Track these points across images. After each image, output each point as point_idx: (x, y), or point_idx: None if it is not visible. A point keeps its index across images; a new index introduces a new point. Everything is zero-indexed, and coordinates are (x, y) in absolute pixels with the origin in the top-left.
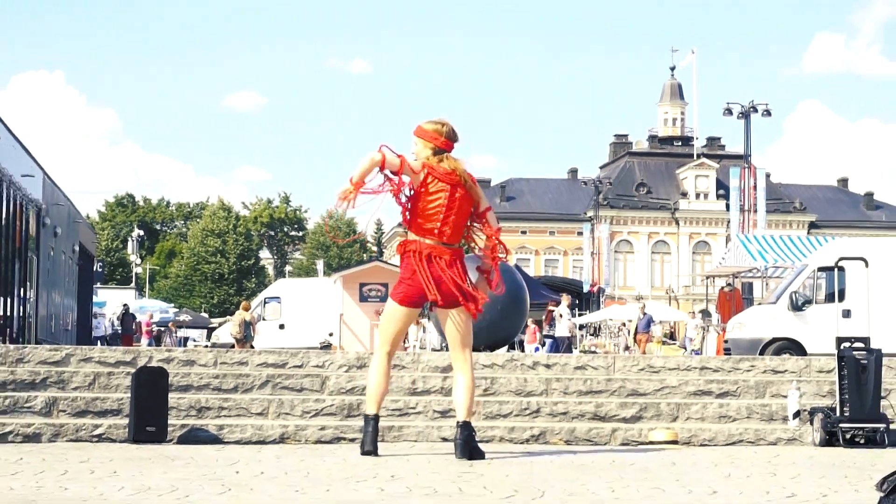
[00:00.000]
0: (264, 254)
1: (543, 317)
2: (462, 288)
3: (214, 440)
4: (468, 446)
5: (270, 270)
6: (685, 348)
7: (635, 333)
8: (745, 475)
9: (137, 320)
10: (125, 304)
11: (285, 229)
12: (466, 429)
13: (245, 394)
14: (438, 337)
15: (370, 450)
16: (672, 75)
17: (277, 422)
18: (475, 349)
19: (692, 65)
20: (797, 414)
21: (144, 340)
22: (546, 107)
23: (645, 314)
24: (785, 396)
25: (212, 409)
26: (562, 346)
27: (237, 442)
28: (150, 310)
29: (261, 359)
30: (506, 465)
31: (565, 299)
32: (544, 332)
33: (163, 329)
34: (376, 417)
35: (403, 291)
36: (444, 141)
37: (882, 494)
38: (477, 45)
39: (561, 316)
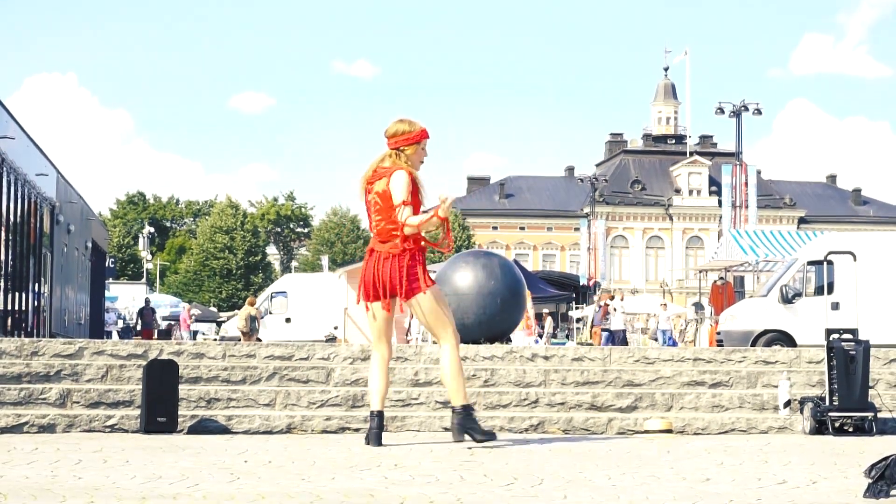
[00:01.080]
0: (271, 250)
1: (599, 311)
2: (385, 285)
3: (223, 430)
4: (464, 428)
5: (277, 266)
6: (656, 339)
7: (591, 326)
8: (737, 462)
9: (156, 315)
10: (147, 298)
11: (291, 226)
12: (460, 413)
13: (253, 385)
14: None
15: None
16: (666, 75)
17: (284, 412)
18: (475, 342)
19: (685, 65)
20: (788, 403)
21: (185, 334)
22: (544, 107)
23: (600, 307)
24: (776, 386)
25: (220, 400)
26: (617, 338)
27: (245, 432)
28: (162, 304)
29: (268, 351)
30: (505, 454)
31: (619, 294)
32: (601, 326)
33: (173, 323)
34: (381, 413)
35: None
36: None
37: (870, 480)
38: (479, 47)
39: (615, 310)
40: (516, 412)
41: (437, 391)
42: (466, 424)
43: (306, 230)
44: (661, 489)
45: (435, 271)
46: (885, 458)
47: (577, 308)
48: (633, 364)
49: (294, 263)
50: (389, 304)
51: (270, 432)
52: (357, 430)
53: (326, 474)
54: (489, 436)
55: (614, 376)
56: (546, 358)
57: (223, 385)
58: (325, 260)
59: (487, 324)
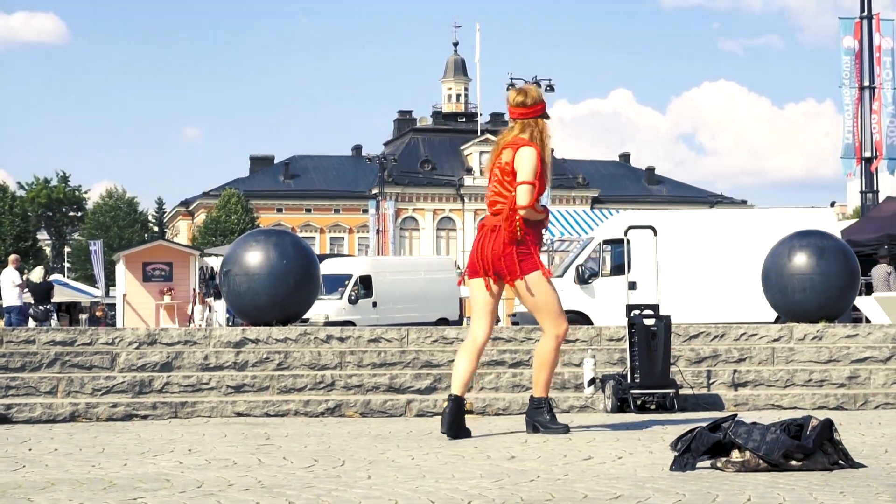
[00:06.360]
0: (42, 235)
1: None
2: (495, 259)
3: (3, 420)
4: (532, 420)
5: (49, 252)
6: None
7: None
8: (541, 441)
9: None
10: None
11: (64, 209)
12: (532, 403)
13: (33, 372)
14: (225, 315)
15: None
16: (455, 51)
17: (67, 400)
18: (268, 323)
19: (475, 41)
20: (592, 381)
21: None
22: (330, 83)
23: None
24: (577, 365)
25: None
26: None
27: (27, 421)
28: None
29: (48, 337)
30: (303, 437)
31: None
32: None
33: None
34: (457, 399)
35: (467, 264)
36: (511, 108)
37: (677, 453)
38: (263, 15)
39: None
40: (312, 396)
41: (228, 375)
42: (535, 417)
43: (79, 214)
44: (467, 467)
45: (221, 254)
46: (691, 431)
47: None
48: (431, 344)
49: (67, 249)
50: (489, 283)
51: (53, 421)
52: (145, 416)
53: (117, 461)
54: (561, 429)
55: (412, 357)
56: (342, 339)
57: (0, 372)
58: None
59: (280, 305)
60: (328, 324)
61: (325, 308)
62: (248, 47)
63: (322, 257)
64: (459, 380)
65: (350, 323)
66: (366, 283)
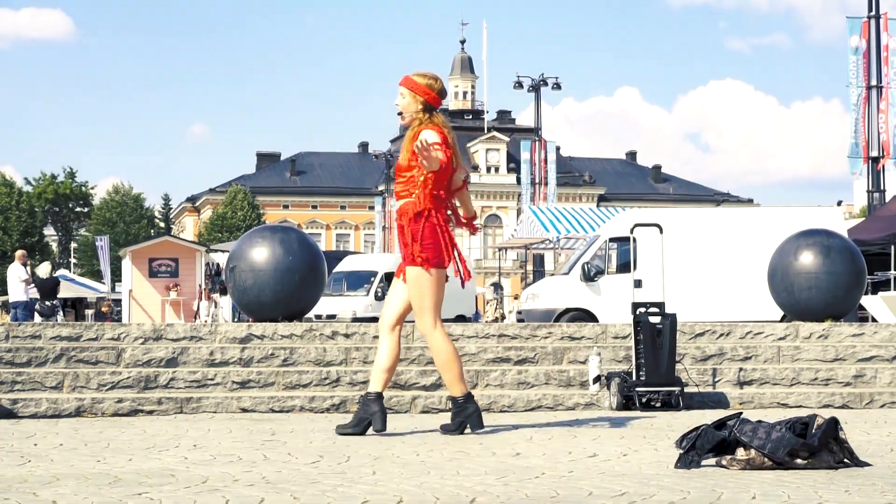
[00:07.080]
0: (48, 230)
1: None
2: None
3: (8, 414)
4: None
5: (55, 247)
6: None
7: None
8: (546, 438)
9: None
10: None
11: (70, 205)
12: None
13: (39, 367)
14: (231, 311)
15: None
16: (462, 49)
17: (73, 395)
18: (273, 319)
19: (482, 38)
20: (597, 378)
21: None
22: (336, 80)
23: None
24: (582, 362)
25: (5, 383)
26: None
27: (32, 416)
28: None
29: (54, 332)
30: (308, 433)
31: None
32: None
33: None
34: (469, 395)
35: (439, 256)
36: (435, 97)
37: (682, 451)
38: (267, 14)
39: None
40: (317, 392)
41: (233, 371)
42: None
43: (86, 209)
44: (472, 464)
45: (227, 251)
46: (697, 429)
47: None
48: None
49: (73, 244)
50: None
51: (59, 416)
52: (150, 412)
53: (123, 456)
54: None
55: (417, 353)
56: (347, 336)
57: (6, 367)
58: (103, 240)
59: (286, 301)
60: (355, 320)
61: (351, 305)
62: (255, 45)
63: (329, 254)
64: (461, 377)
65: (376, 319)
66: (390, 280)
